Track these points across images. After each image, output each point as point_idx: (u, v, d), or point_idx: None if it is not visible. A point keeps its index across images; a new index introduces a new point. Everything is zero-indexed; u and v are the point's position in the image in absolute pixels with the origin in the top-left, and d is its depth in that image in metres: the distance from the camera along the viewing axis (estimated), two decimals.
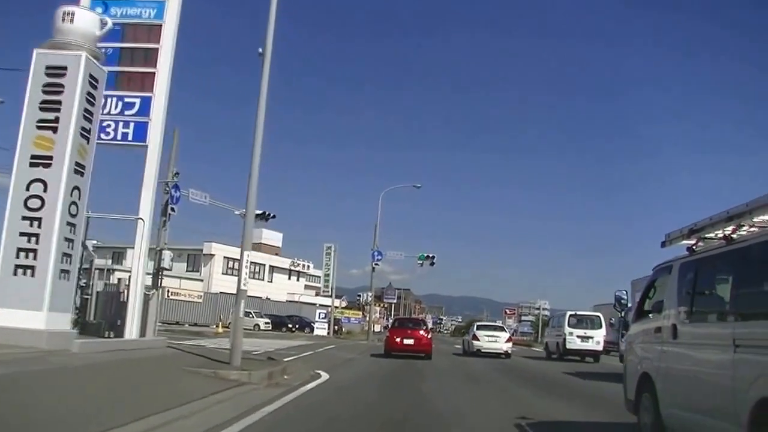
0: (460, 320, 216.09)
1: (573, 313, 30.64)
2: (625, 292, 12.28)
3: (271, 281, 69.45)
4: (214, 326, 46.69)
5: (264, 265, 68.54)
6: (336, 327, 57.17)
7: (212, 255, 62.14)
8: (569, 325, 29.07)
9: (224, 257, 63.38)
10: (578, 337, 28.56)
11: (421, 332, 26.07)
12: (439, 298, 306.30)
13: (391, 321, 51.47)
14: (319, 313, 47.25)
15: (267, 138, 12.63)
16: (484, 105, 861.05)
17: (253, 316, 50.37)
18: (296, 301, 66.82)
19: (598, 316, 29.82)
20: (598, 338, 28.51)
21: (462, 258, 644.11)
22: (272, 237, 72.86)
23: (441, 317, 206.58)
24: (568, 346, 28.71)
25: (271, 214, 27.88)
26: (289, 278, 72.50)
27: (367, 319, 46.28)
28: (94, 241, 17.51)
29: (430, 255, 45.48)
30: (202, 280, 60.93)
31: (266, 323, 50.35)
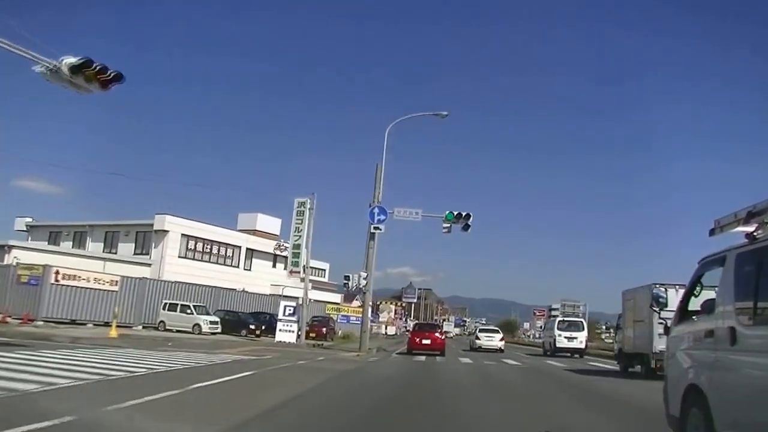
0: (484, 321, 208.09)
1: (561, 318, 39.80)
2: (663, 290, 10.39)
3: (249, 269, 51.37)
4: (133, 325, 29.00)
5: (239, 247, 50.50)
6: (324, 329, 39.01)
7: (165, 232, 44.21)
8: (558, 329, 34.29)
9: (182, 235, 45.43)
10: (565, 338, 33.42)
11: (437, 334, 29.22)
12: (461, 300, 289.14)
13: (412, 325, 52.71)
14: (285, 308, 28.93)
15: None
16: (497, 96, 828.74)
17: (192, 312, 32.26)
18: (281, 295, 48.53)
19: (582, 321, 38.00)
20: (581, 339, 33.50)
21: (485, 261, 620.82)
22: (268, 223, 54.91)
23: (464, 318, 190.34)
24: (558, 345, 33.33)
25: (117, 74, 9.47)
26: (274, 265, 54.11)
27: (364, 315, 27.73)
28: None
29: (463, 213, 27.00)
30: (150, 265, 43.15)
31: (212, 323, 32.24)
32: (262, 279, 51.40)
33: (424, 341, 27.69)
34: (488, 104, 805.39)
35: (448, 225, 27.36)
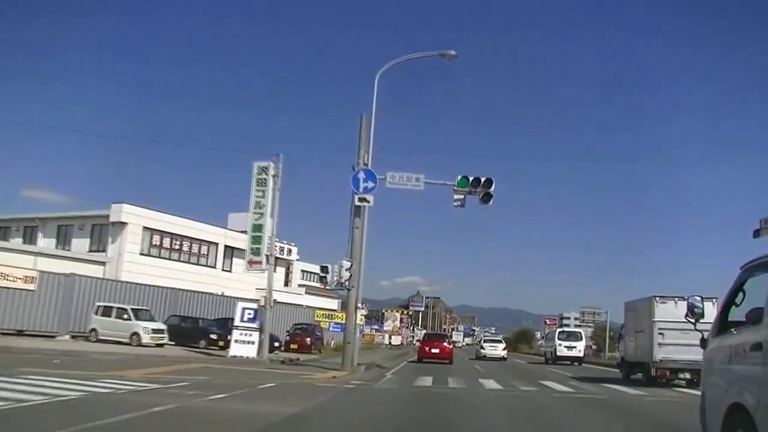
0: (493, 331, 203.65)
1: (561, 330, 43.24)
2: (699, 299, 6.45)
3: (230, 270, 43.67)
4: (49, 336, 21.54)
5: (216, 244, 42.90)
6: (309, 339, 31.50)
7: (123, 224, 36.74)
8: (558, 339, 36.59)
9: (144, 228, 37.92)
10: (565, 347, 35.46)
11: (445, 344, 30.13)
12: (470, 309, 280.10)
13: (421, 335, 54.01)
14: (243, 311, 21.23)
15: None
16: (501, 103, 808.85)
17: (130, 318, 24.66)
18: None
19: (580, 332, 40.22)
20: (579, 348, 35.93)
21: (493, 270, 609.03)
22: None
23: (474, 328, 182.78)
24: (558, 353, 35.31)
25: None
26: None
27: (347, 320, 19.90)
28: None
29: (482, 179, 19.25)
30: (104, 264, 35.74)
31: (157, 332, 24.62)
32: (245, 282, 43.71)
33: (433, 350, 28.90)
34: (492, 111, 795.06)
35: (462, 196, 19.65)
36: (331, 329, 40.09)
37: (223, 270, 43.36)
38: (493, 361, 34.10)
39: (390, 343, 61.76)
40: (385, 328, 71.92)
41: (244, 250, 44.88)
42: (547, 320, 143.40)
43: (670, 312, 17.67)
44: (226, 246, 43.32)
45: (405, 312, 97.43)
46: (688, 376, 17.91)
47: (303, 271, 72.81)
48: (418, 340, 55.19)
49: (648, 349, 18.42)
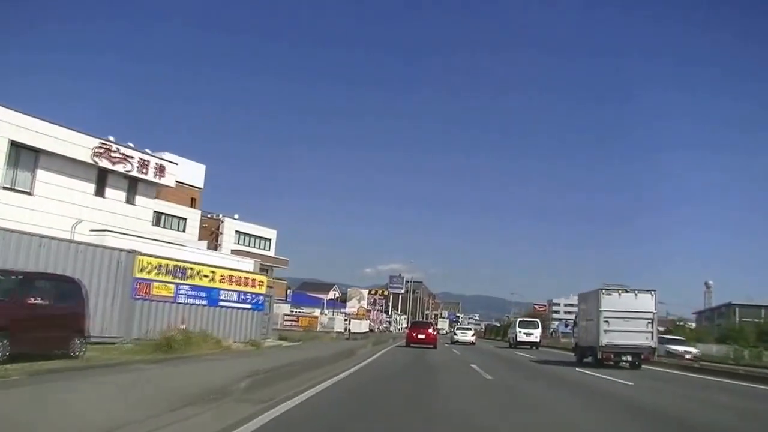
0: (477, 318, 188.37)
1: (521, 319, 45.08)
2: None
3: (30, 191, 22.31)
4: None
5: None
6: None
7: None
8: (519, 327, 40.33)
9: None
10: (524, 333, 38.88)
11: (430, 330, 32.10)
12: (452, 296, 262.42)
13: (407, 322, 56.79)
14: None
15: None
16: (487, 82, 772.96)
17: None
18: (87, 244, 19.24)
19: (537, 321, 43.35)
20: (536, 335, 38.98)
21: (475, 259, 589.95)
22: (186, 169, 27.34)
23: (458, 314, 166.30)
24: (519, 339, 38.72)
25: None
26: (100, 192, 25.28)
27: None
28: None
29: None
30: None
31: None
32: (52, 214, 22.44)
33: (420, 336, 30.17)
34: (475, 91, 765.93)
35: None
36: (187, 300, 18.75)
37: (11, 189, 21.94)
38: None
39: (348, 331, 40.51)
40: (347, 309, 51.03)
41: (68, 158, 23.17)
42: (536, 306, 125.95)
43: (614, 302, 18.51)
44: (11, 142, 21.73)
45: (378, 292, 76.70)
46: (629, 358, 18.65)
47: (239, 232, 51.85)
48: (405, 328, 52.87)
49: (595, 335, 18.97)
